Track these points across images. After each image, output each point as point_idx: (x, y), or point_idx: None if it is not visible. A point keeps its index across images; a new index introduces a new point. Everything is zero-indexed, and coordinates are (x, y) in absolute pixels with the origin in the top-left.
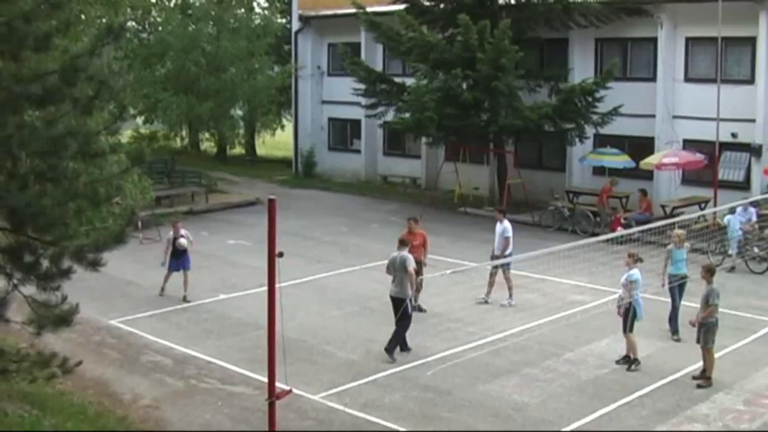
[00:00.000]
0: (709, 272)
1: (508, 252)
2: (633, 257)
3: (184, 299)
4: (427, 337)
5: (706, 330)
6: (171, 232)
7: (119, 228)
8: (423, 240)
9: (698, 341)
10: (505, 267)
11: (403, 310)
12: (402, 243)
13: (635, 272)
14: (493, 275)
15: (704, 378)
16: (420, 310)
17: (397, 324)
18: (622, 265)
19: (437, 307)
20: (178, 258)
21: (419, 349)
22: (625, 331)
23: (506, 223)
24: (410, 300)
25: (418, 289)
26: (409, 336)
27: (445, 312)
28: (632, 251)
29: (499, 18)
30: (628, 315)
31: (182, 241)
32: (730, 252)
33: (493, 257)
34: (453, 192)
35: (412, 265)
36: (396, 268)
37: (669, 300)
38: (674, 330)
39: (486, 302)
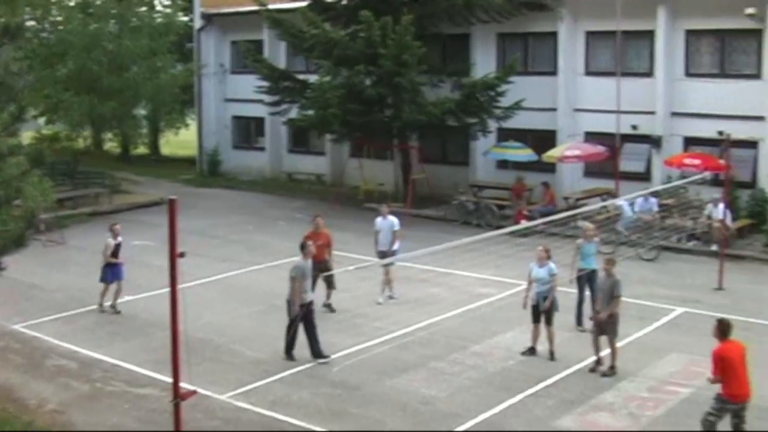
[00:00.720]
0: (610, 263)
1: (396, 247)
2: (547, 251)
3: (113, 308)
4: (333, 334)
5: (614, 321)
6: (110, 239)
7: (19, 231)
8: (327, 240)
9: (603, 333)
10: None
11: (289, 315)
12: (300, 248)
13: (554, 266)
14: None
15: (609, 367)
16: (330, 309)
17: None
18: (527, 258)
19: (343, 303)
20: (115, 267)
21: (326, 346)
22: (548, 323)
23: (393, 218)
24: (291, 305)
25: (331, 286)
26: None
27: (351, 308)
28: (547, 246)
29: (401, 14)
30: (551, 308)
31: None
32: (624, 238)
33: (381, 252)
34: (358, 188)
35: (292, 273)
36: None
37: (575, 291)
38: (578, 321)
39: (391, 298)
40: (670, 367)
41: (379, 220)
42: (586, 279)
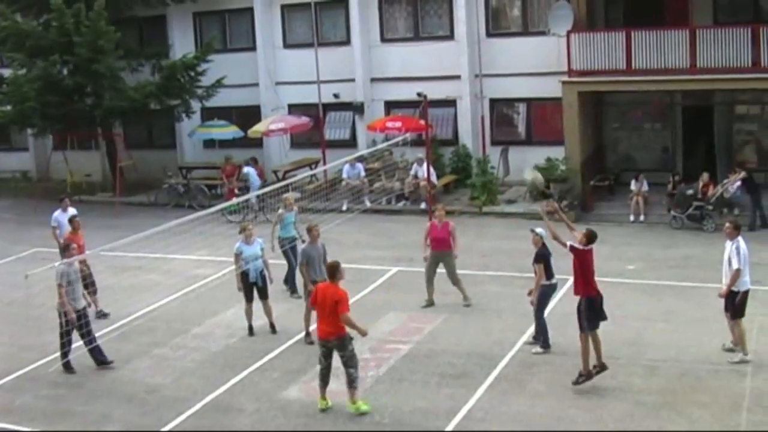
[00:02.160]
0: (315, 230)
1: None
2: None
3: None
4: (45, 332)
5: None
6: None
7: None
8: (83, 241)
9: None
10: None
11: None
12: (62, 251)
13: (261, 240)
14: None
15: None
16: (103, 315)
17: None
18: (239, 235)
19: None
20: None
21: (43, 346)
22: (264, 297)
23: (73, 210)
24: (62, 314)
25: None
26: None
27: None
28: (250, 224)
29: (93, 0)
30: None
31: None
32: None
33: None
34: (65, 181)
35: (58, 280)
36: None
37: (285, 262)
38: (293, 289)
39: None
40: (388, 325)
41: (58, 214)
42: (290, 249)
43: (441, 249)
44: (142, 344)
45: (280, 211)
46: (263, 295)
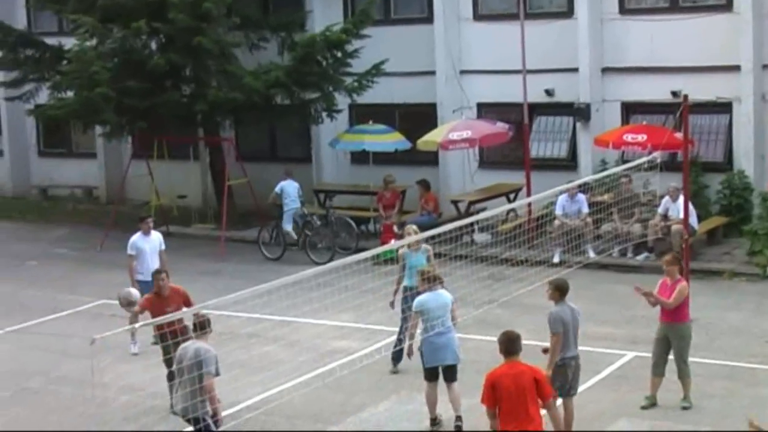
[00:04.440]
0: (558, 290)
1: None
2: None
3: None
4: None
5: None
6: None
7: None
8: (182, 299)
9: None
10: None
11: None
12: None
13: (424, 297)
14: None
15: None
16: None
17: None
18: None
19: (134, 375)
20: None
21: None
22: (452, 379)
23: (158, 234)
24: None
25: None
26: None
27: (141, 383)
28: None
29: None
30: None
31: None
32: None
33: (147, 284)
34: (149, 204)
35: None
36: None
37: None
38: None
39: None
40: None
41: (137, 239)
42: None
43: (669, 320)
44: None
45: (401, 251)
46: (449, 376)
